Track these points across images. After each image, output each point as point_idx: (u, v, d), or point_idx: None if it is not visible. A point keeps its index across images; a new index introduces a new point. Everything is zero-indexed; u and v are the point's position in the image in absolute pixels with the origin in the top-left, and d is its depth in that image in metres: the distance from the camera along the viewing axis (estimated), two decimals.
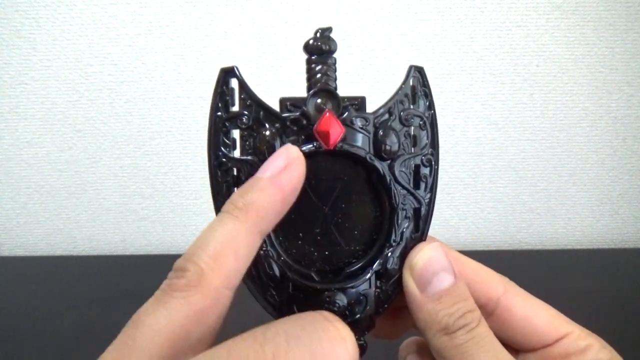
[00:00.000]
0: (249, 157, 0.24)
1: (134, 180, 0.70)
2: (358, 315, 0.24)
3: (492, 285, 0.25)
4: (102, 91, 0.67)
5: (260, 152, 0.24)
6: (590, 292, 0.58)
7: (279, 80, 0.66)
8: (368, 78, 0.67)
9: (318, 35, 0.25)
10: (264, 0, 0.64)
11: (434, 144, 0.26)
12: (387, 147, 0.24)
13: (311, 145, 0.24)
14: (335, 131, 0.24)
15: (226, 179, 0.24)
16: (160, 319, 0.19)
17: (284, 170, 0.22)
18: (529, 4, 0.65)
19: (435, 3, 0.65)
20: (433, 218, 0.26)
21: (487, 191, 0.72)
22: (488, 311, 0.25)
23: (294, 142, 0.24)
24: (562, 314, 0.25)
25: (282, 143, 0.24)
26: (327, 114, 0.24)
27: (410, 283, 0.24)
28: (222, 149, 0.24)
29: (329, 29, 0.25)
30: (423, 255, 0.24)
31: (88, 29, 0.65)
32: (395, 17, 0.65)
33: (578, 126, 0.70)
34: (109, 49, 0.66)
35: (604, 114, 0.69)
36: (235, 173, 0.24)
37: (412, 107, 0.25)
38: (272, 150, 0.24)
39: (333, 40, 0.25)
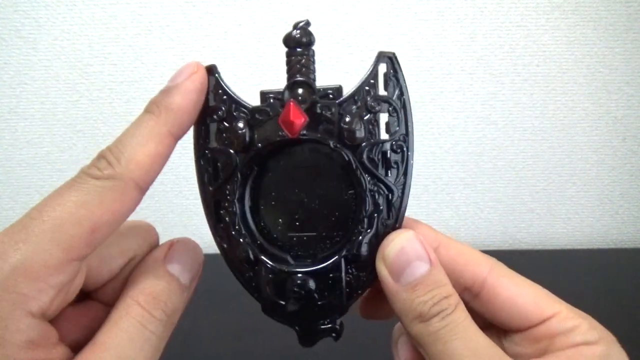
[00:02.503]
0: (224, 147, 0.25)
1: None
2: (326, 300, 0.25)
3: (477, 266, 0.25)
4: (102, 91, 0.67)
5: (232, 142, 0.25)
6: (590, 292, 0.57)
7: (278, 81, 0.66)
8: None
9: (296, 28, 0.26)
10: (264, 0, 0.64)
11: (406, 129, 0.25)
12: (352, 134, 0.25)
13: (278, 135, 0.25)
14: (298, 120, 0.24)
15: (207, 167, 0.26)
16: (69, 202, 0.21)
17: (187, 80, 0.24)
18: (529, 4, 0.65)
19: (435, 3, 0.65)
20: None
21: (487, 191, 0.72)
22: (474, 292, 0.25)
23: (263, 133, 0.25)
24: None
25: (251, 133, 0.25)
26: (291, 104, 0.25)
27: (384, 272, 0.24)
28: (203, 140, 0.26)
29: (307, 22, 0.26)
30: (395, 246, 0.24)
31: (88, 29, 0.65)
32: (395, 17, 0.65)
33: (578, 126, 0.70)
34: (109, 49, 0.66)
35: (604, 114, 0.69)
36: (213, 162, 0.26)
37: (380, 93, 0.25)
38: (242, 139, 0.25)
39: (311, 33, 0.26)
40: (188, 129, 0.25)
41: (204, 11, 0.65)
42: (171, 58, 0.66)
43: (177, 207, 0.71)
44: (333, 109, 0.25)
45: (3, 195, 0.72)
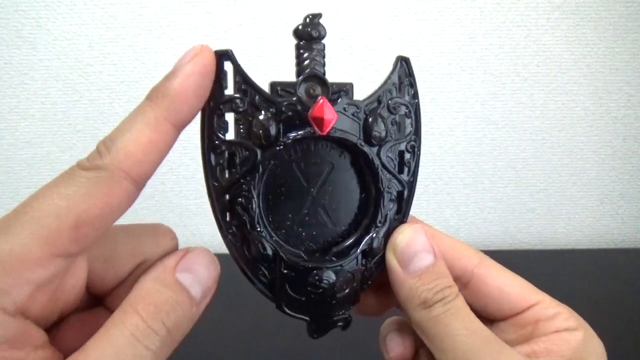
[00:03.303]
0: (244, 141, 0.24)
1: None
2: (346, 292, 0.26)
3: (467, 258, 0.27)
4: (102, 91, 0.67)
5: (255, 136, 0.24)
6: (590, 292, 0.58)
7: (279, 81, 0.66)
8: (368, 78, 0.67)
9: (307, 21, 0.25)
10: (264, 0, 0.64)
11: (417, 131, 0.27)
12: (376, 134, 0.26)
13: (306, 130, 0.25)
14: (329, 117, 0.24)
15: (219, 161, 0.24)
16: (54, 194, 0.20)
17: (188, 63, 0.22)
18: (529, 4, 0.65)
19: (435, 3, 0.65)
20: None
21: (487, 191, 0.72)
22: (463, 282, 0.27)
23: (288, 127, 0.25)
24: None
25: (277, 127, 0.24)
26: (321, 100, 0.24)
27: (393, 262, 0.26)
28: (216, 132, 0.24)
29: (319, 15, 0.25)
30: (405, 236, 0.26)
31: (88, 29, 0.65)
32: (395, 17, 0.65)
33: (578, 126, 0.70)
34: (109, 49, 0.66)
35: (604, 114, 0.69)
36: (228, 156, 0.25)
37: (398, 95, 0.26)
38: (267, 133, 0.24)
39: (322, 26, 0.25)
40: (190, 116, 0.23)
41: (204, 11, 0.65)
42: (171, 58, 0.66)
43: (177, 207, 0.71)
44: (360, 109, 0.26)
45: (3, 195, 0.72)
